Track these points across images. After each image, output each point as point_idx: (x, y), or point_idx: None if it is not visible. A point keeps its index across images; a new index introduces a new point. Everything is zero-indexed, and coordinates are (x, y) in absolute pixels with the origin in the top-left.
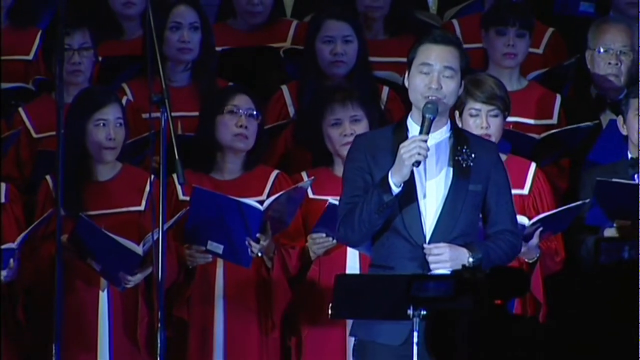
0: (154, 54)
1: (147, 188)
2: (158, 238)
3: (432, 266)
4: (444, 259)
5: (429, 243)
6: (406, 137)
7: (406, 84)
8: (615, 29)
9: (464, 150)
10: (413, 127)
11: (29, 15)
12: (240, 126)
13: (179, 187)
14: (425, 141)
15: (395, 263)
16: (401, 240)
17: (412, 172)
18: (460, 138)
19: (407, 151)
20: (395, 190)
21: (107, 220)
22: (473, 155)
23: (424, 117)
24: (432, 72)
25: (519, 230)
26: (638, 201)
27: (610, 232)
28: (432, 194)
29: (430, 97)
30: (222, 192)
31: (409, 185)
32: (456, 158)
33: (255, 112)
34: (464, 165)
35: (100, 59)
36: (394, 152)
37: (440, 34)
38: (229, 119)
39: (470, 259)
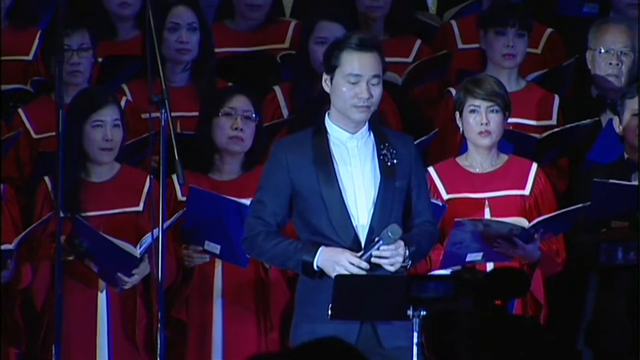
0: (153, 55)
1: (145, 189)
2: (157, 238)
3: (386, 261)
4: (401, 252)
5: (365, 245)
6: (327, 139)
7: (326, 87)
8: (616, 30)
9: (386, 147)
10: (333, 128)
11: (28, 15)
12: (236, 129)
13: (177, 188)
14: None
15: None
16: (334, 245)
17: (339, 178)
18: (379, 135)
19: (343, 270)
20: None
21: (105, 222)
22: (395, 152)
23: (374, 242)
24: (361, 81)
25: (435, 219)
26: (635, 202)
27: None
28: (362, 196)
29: (361, 109)
30: (221, 193)
31: (336, 191)
32: (380, 157)
33: (253, 114)
34: (389, 163)
35: (100, 59)
36: (316, 157)
37: (359, 39)
38: (224, 121)
39: (406, 252)
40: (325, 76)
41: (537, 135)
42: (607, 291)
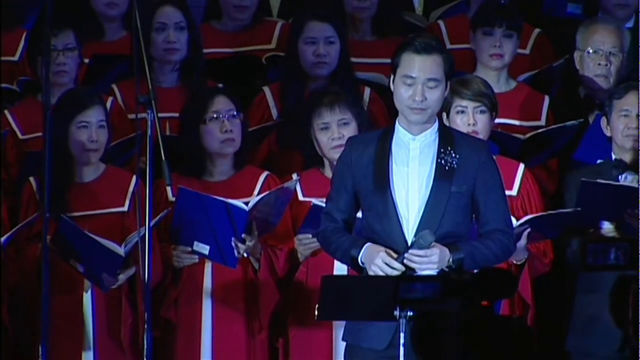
0: (140, 55)
1: (131, 189)
2: (143, 237)
3: (415, 265)
4: (434, 260)
5: (411, 247)
6: (391, 140)
7: (392, 86)
8: (604, 30)
9: (447, 151)
10: (398, 129)
11: (14, 15)
12: (225, 131)
13: (168, 189)
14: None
15: None
16: (384, 245)
17: (392, 179)
18: (446, 139)
19: (378, 269)
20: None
21: (90, 222)
22: (457, 156)
23: (410, 246)
24: (416, 84)
25: (512, 229)
26: (623, 203)
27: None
28: (414, 198)
29: (415, 111)
30: (212, 194)
31: (387, 191)
32: (439, 160)
33: (235, 112)
34: (447, 167)
35: (86, 60)
36: (375, 156)
37: (422, 42)
38: (213, 126)
39: (450, 259)
40: (392, 76)
41: (520, 136)
42: (595, 292)
